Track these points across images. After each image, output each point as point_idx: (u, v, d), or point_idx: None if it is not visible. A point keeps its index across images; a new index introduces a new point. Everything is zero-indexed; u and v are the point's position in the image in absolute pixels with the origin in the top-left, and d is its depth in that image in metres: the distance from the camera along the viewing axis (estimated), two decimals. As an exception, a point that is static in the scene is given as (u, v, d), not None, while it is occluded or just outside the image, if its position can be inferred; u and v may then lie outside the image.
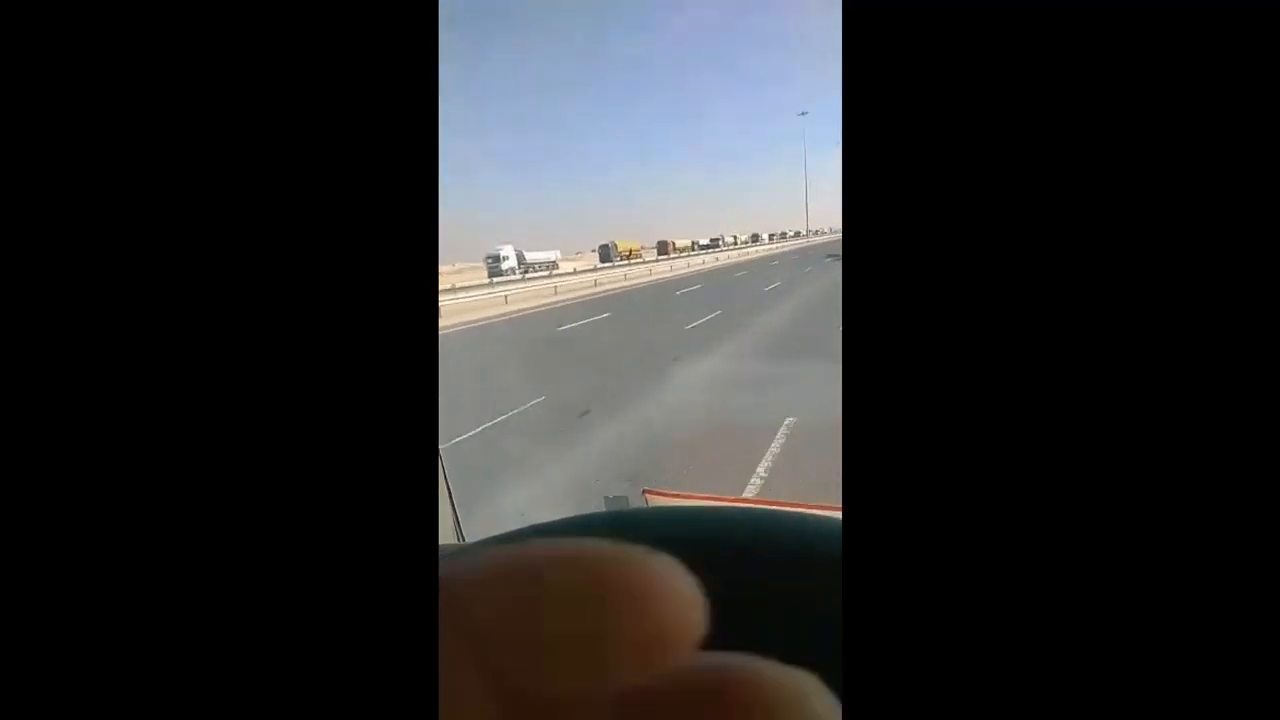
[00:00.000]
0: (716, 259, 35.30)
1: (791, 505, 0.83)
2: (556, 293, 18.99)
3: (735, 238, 64.60)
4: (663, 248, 46.49)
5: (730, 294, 15.12)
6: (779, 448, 4.51)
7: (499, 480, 4.36)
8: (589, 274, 23.71)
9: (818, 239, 69.51)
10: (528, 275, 25.01)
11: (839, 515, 0.42)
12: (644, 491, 1.24)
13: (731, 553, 0.46)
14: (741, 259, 34.53)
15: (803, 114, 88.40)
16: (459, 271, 28.60)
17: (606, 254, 37.99)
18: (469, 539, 1.30)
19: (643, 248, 43.76)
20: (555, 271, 25.45)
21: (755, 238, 67.90)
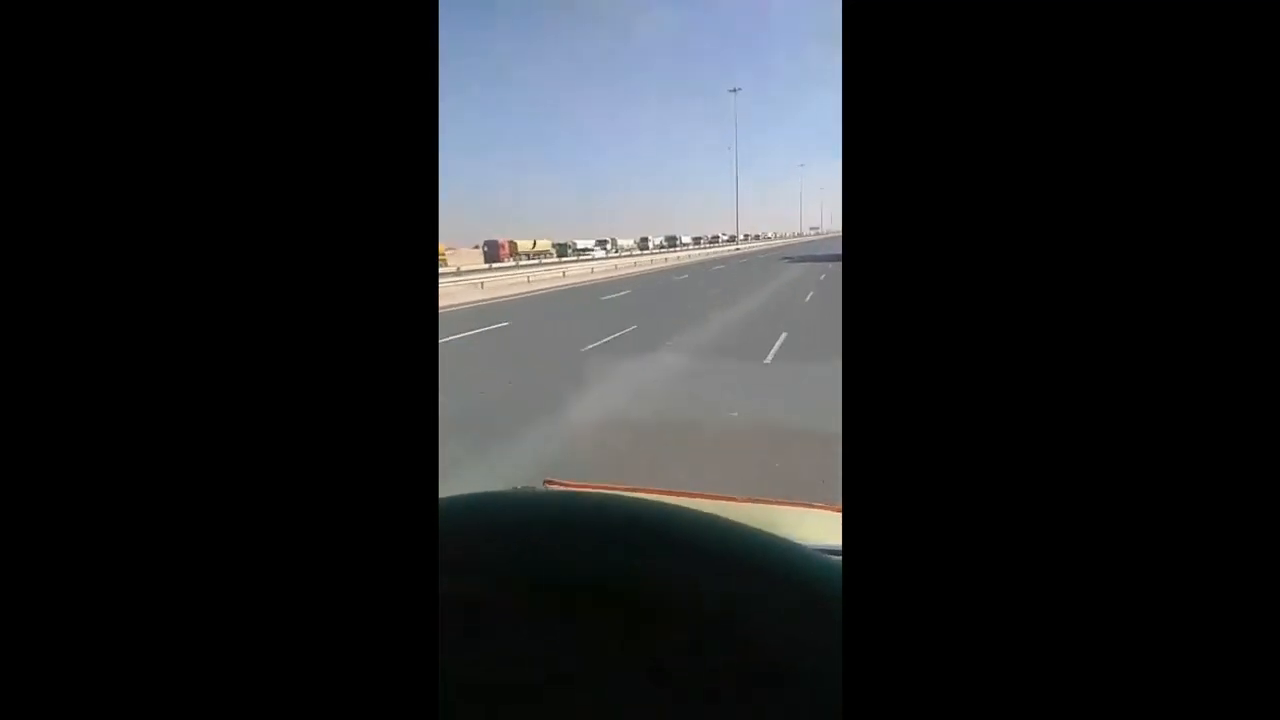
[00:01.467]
0: (592, 270, 22.61)
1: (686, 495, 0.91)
2: None
3: (646, 239, 50.87)
4: (493, 252, 32.05)
5: None
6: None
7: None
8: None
9: (751, 246, 56.56)
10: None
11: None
12: (545, 481, 1.08)
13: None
14: (615, 275, 21.71)
15: (734, 90, 74.65)
16: None
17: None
18: None
19: (449, 250, 29.26)
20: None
21: (672, 241, 54.22)
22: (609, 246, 41.55)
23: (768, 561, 0.25)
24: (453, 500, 0.29)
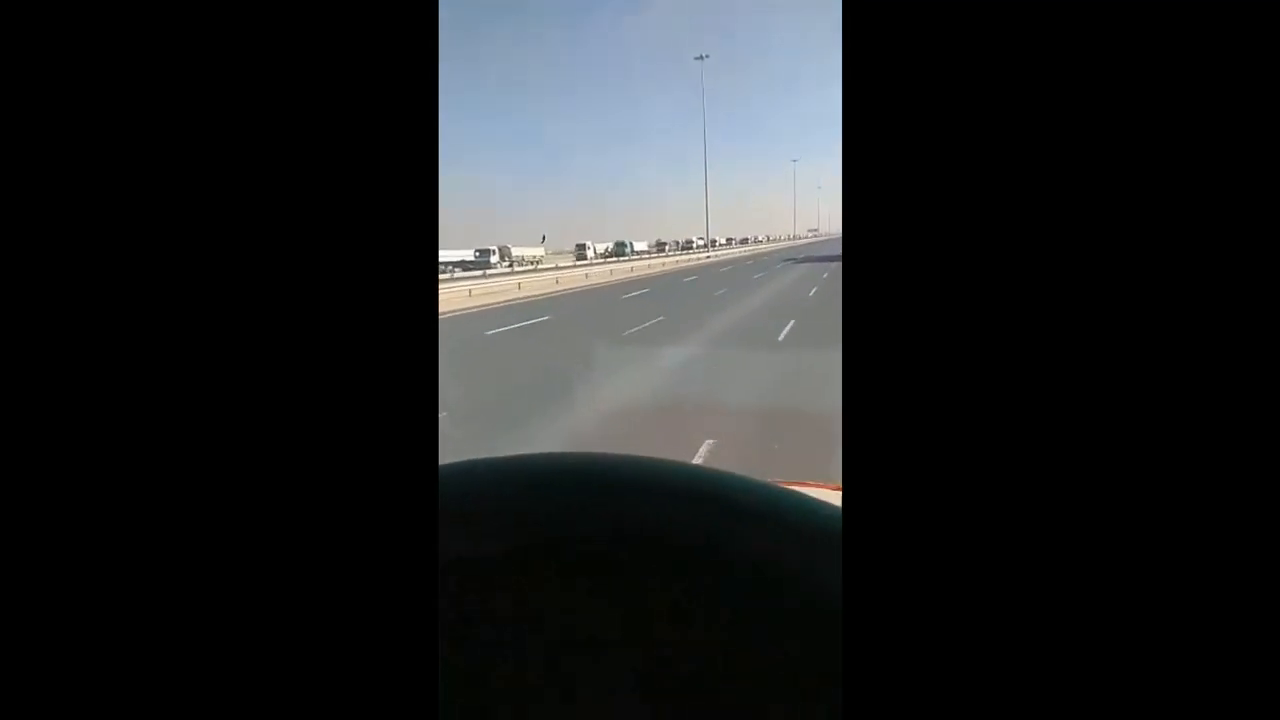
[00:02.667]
0: (470, 293, 9.16)
1: None
2: None
3: (584, 246, 38.44)
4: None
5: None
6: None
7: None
8: None
9: (729, 252, 44.16)
10: None
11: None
12: None
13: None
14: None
15: (700, 58, 61.56)
16: None
17: None
18: None
19: None
20: None
21: (621, 248, 41.80)
22: (497, 258, 29.06)
23: (762, 502, 0.27)
24: (450, 467, 0.30)
